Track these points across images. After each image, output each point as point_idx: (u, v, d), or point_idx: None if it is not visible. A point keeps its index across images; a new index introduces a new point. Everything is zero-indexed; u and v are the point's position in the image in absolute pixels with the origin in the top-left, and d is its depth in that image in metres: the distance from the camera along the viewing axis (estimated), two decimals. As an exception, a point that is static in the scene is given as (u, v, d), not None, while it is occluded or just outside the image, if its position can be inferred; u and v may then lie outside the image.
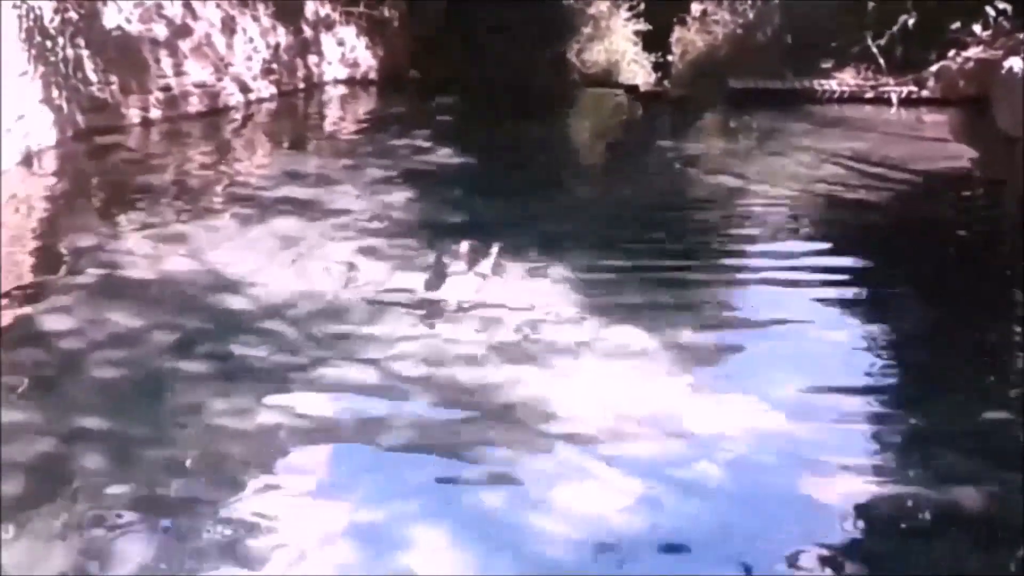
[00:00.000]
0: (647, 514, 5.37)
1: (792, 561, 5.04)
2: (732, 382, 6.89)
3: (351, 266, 8.83)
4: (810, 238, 10.25)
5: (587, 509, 5.40)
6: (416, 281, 8.38)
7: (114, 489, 5.50)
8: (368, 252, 9.21)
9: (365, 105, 17.99)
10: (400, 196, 11.24)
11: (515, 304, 7.98)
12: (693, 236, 10.41)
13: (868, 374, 7.15)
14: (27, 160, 11.73)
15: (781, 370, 7.01)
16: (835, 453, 5.97)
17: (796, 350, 7.46)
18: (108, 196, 11.03)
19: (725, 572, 4.95)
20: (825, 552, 5.15)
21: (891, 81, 17.33)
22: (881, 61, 17.42)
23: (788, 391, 6.64)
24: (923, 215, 10.91)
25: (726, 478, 5.72)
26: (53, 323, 7.60)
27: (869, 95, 17.33)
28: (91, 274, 8.62)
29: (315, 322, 7.68)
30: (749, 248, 10.05)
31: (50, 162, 12.16)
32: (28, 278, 8.70)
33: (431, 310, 7.39)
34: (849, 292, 8.66)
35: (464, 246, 7.54)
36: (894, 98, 17.08)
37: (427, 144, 13.74)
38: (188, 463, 5.79)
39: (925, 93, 17.09)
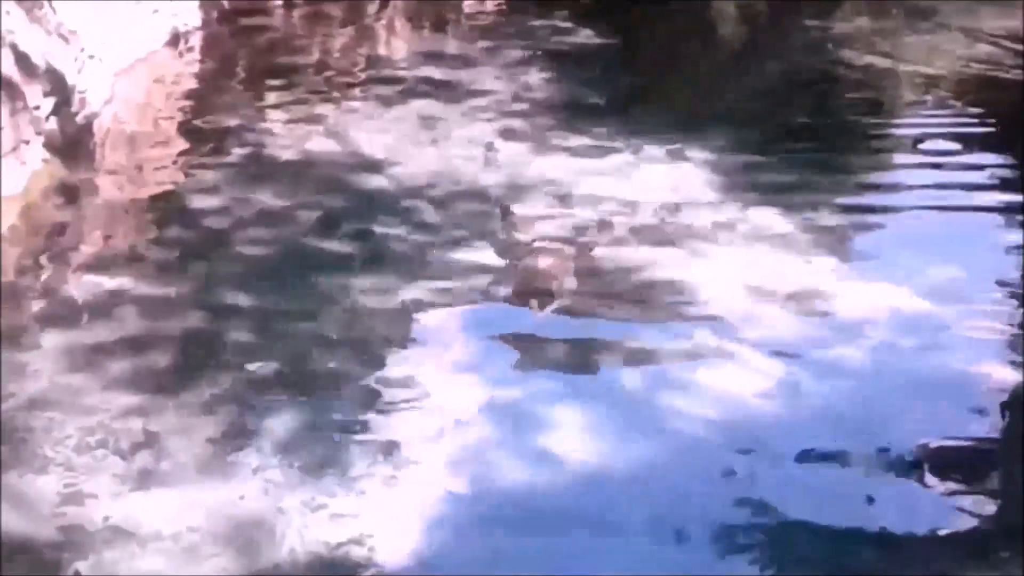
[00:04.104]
0: (787, 397, 5.35)
1: (930, 446, 4.99)
2: (875, 266, 6.79)
3: (490, 146, 8.84)
4: (962, 121, 9.93)
5: (726, 389, 5.40)
6: (556, 164, 8.37)
7: (260, 362, 5.67)
8: (507, 133, 9.20)
9: (505, -15, 17.81)
10: (539, 77, 11.16)
11: (654, 186, 7.93)
12: (838, 116, 10.18)
13: (1017, 262, 6.96)
14: (174, 41, 11.89)
15: (927, 254, 6.85)
16: (979, 339, 5.88)
17: (943, 234, 7.30)
18: (252, 77, 11.13)
19: (865, 453, 4.92)
20: (965, 440, 5.09)
21: (1051, -45, 16.60)
22: (1042, -67, 16.68)
23: (933, 276, 6.52)
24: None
25: (868, 361, 5.67)
26: (200, 201, 7.77)
27: (1028, -31, 16.64)
28: (237, 154, 8.76)
29: (455, 202, 7.74)
30: (896, 130, 9.79)
31: (196, 43, 12.31)
32: (176, 156, 8.87)
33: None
34: (1001, 175, 8.40)
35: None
36: (1054, -27, 16.38)
37: (567, 24, 13.56)
38: (332, 338, 5.92)
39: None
